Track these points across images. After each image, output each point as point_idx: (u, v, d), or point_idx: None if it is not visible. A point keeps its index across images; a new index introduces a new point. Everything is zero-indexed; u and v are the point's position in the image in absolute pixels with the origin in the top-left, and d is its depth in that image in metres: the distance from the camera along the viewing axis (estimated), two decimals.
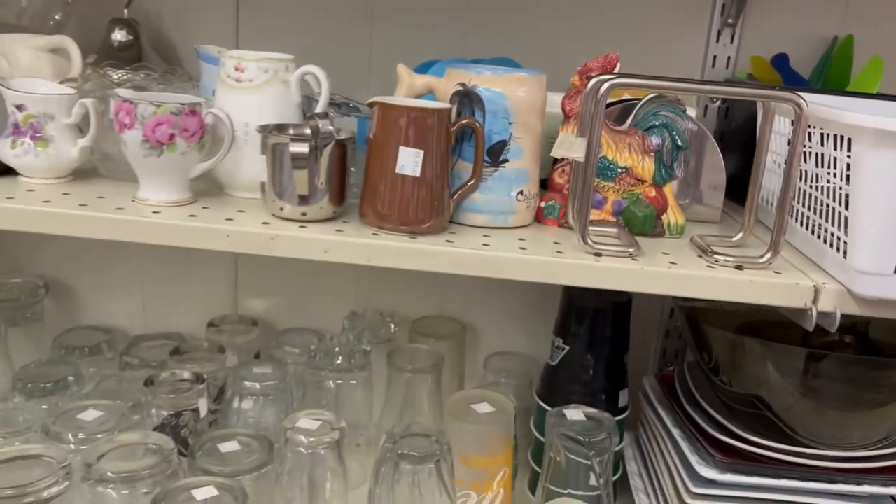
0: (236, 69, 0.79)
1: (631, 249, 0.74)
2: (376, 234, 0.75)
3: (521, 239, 0.78)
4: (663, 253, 0.77)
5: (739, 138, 1.06)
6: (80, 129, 0.83)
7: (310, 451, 0.92)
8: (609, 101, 0.74)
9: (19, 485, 0.86)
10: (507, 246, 0.75)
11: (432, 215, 0.75)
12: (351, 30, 1.14)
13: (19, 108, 0.79)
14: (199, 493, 0.90)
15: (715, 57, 1.10)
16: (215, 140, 0.79)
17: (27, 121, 0.79)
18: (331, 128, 0.72)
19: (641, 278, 0.71)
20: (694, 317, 1.02)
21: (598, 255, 0.73)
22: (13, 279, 1.25)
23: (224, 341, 1.21)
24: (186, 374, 1.08)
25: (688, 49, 1.12)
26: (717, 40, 1.10)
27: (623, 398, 1.09)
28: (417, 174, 0.73)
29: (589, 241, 0.73)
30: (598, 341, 1.06)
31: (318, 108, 0.81)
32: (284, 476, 0.94)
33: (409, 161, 0.72)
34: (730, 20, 1.08)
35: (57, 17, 1.00)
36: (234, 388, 1.10)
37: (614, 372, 1.08)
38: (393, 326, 1.22)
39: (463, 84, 0.78)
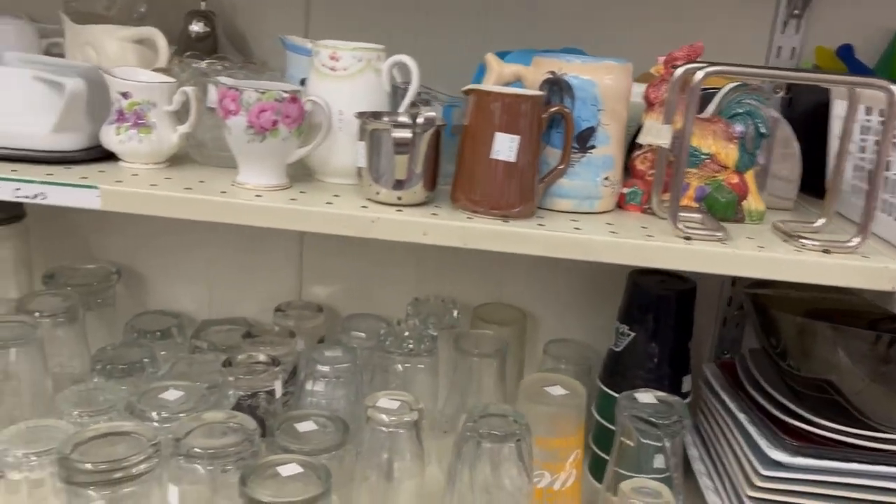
0: (331, 58, 0.82)
1: (719, 234, 0.76)
2: (470, 218, 0.78)
3: (608, 223, 0.80)
4: (748, 238, 0.79)
5: (803, 127, 1.08)
6: (178, 116, 0.86)
7: (390, 429, 0.94)
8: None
9: (113, 459, 0.89)
10: (598, 230, 0.77)
11: (523, 200, 0.78)
12: (416, 21, 1.17)
13: (125, 95, 0.82)
14: (284, 470, 0.93)
15: (780, 48, 1.12)
16: (311, 127, 0.82)
17: (132, 108, 0.82)
18: (433, 114, 0.74)
19: (732, 261, 0.73)
20: (762, 303, 1.04)
21: (688, 238, 0.76)
22: (87, 265, 1.29)
23: (291, 326, 1.25)
24: (262, 357, 1.11)
25: (752, 39, 1.13)
26: (783, 31, 1.11)
27: (686, 384, 1.11)
28: (513, 159, 0.75)
29: (680, 226, 0.75)
30: (663, 328, 1.08)
31: (408, 97, 0.84)
32: (363, 455, 0.97)
33: (505, 147, 0.75)
34: (795, 11, 1.10)
35: (142, 9, 1.03)
36: (307, 370, 1.13)
37: (678, 358, 1.10)
38: (456, 313, 1.24)
39: (552, 72, 0.80)
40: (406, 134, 0.74)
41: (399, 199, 0.79)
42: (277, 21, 1.18)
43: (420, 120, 0.75)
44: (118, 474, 0.89)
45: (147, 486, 0.91)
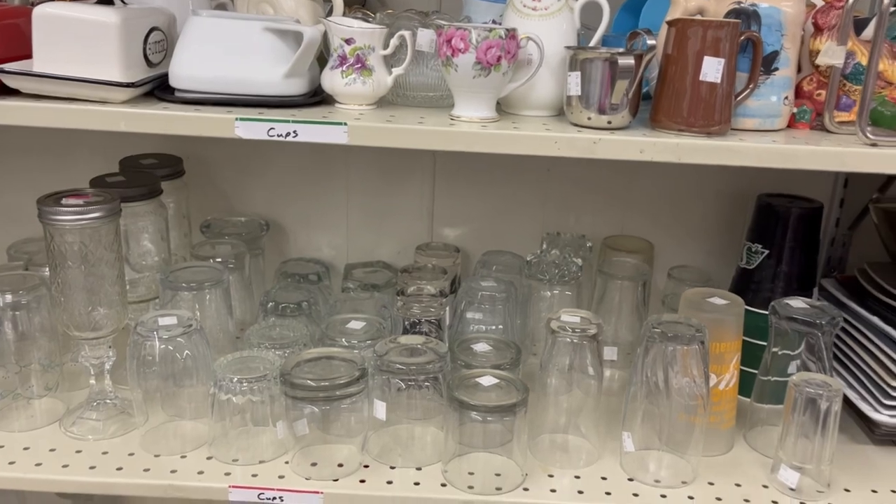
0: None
1: None
2: (678, 136, 0.86)
3: (794, 138, 0.89)
4: None
5: None
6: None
7: (574, 341, 1.04)
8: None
9: (331, 377, 0.99)
10: (790, 142, 0.86)
11: (723, 119, 0.87)
12: None
13: (348, 41, 0.89)
14: (484, 381, 1.02)
15: None
16: (518, 63, 0.90)
17: (354, 53, 0.89)
18: (652, 42, 0.83)
19: None
20: (891, 214, 1.14)
21: (874, 145, 0.85)
22: (239, 218, 1.37)
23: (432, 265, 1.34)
24: (430, 289, 1.20)
25: None
26: None
27: (813, 297, 1.21)
28: (718, 80, 0.84)
29: (868, 134, 0.85)
30: (795, 244, 1.18)
31: (600, 31, 0.92)
32: (547, 366, 1.06)
33: (712, 69, 0.83)
34: None
35: None
36: (467, 299, 1.23)
37: (807, 273, 1.20)
38: (589, 244, 1.34)
39: (738, 2, 0.89)
40: (630, 61, 0.82)
41: (609, 123, 0.88)
42: None
43: (642, 46, 0.84)
44: (337, 391, 0.98)
45: (358, 400, 1.01)
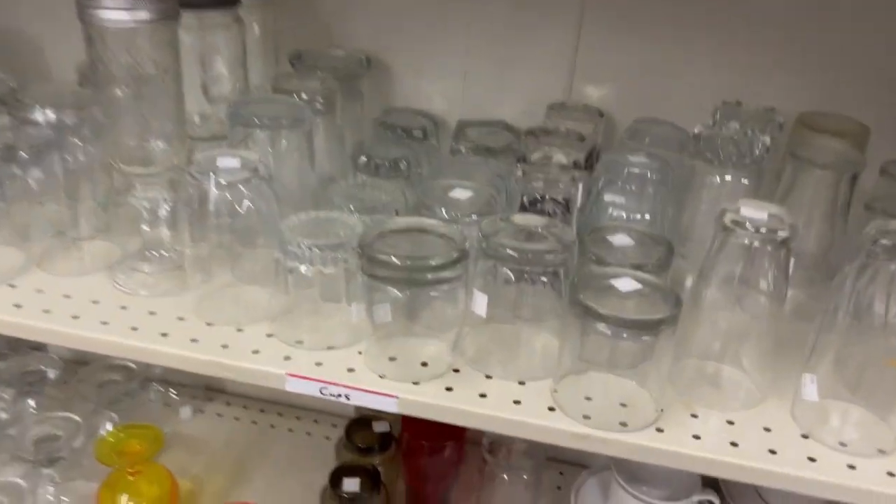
0: None
1: None
2: None
3: None
4: None
5: None
6: None
7: (756, 244, 0.76)
8: None
9: (421, 255, 0.76)
10: None
11: None
12: None
13: None
14: (620, 284, 0.77)
15: None
16: None
17: None
18: None
19: None
20: None
21: None
22: (338, 51, 1.13)
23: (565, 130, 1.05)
24: (562, 158, 0.93)
25: None
26: None
27: None
28: None
29: None
30: None
31: None
32: (709, 274, 0.79)
33: None
34: None
35: None
36: (607, 176, 0.95)
37: None
38: (780, 120, 1.01)
39: None
40: None
41: None
42: None
43: None
44: (427, 274, 0.76)
45: (454, 288, 0.78)
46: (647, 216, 0.93)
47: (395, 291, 0.78)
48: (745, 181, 0.93)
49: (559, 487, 1.26)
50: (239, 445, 1.36)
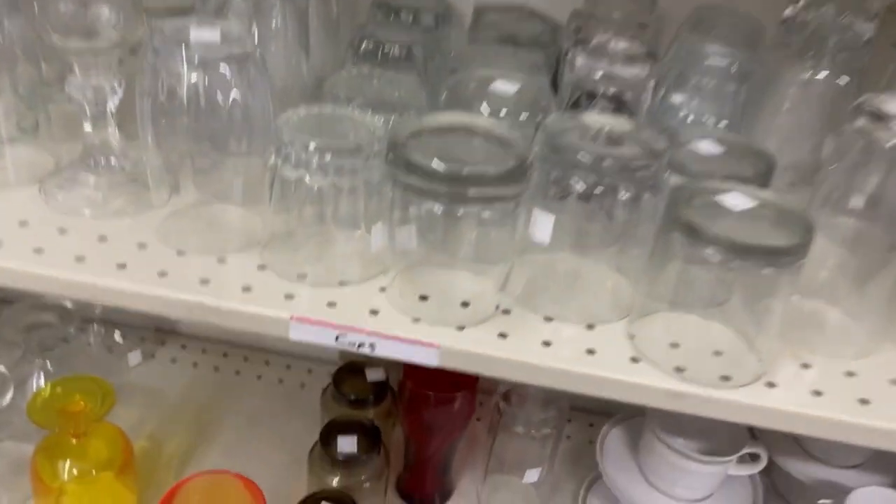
0: None
1: None
2: None
3: None
4: None
5: None
6: None
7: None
8: None
9: (472, 162, 0.57)
10: None
11: None
12: None
13: None
14: (728, 200, 0.60)
15: None
16: None
17: None
18: None
19: None
20: None
21: None
22: None
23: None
24: (625, 44, 0.74)
25: None
26: None
27: None
28: None
29: None
30: None
31: None
32: (831, 193, 0.63)
33: None
34: None
35: None
36: (677, 70, 0.77)
37: None
38: (876, 10, 0.84)
39: None
40: None
41: None
42: None
43: None
44: (487, 188, 0.57)
45: (511, 206, 0.60)
46: (726, 121, 0.76)
47: (432, 210, 0.59)
48: (837, 81, 0.77)
49: (591, 441, 1.09)
50: (200, 397, 1.16)
